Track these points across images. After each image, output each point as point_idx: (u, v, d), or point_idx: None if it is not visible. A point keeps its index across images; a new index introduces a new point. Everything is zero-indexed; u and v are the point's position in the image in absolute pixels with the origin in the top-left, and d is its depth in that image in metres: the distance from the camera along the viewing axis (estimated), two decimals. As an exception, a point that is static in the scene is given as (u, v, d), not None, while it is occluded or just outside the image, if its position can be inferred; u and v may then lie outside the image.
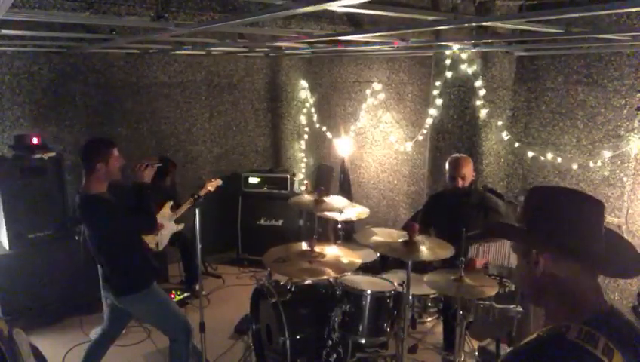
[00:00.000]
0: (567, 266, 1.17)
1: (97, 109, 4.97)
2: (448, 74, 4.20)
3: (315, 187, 4.94)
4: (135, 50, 4.70)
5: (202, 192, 4.54)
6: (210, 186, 4.73)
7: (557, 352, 1.11)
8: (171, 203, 4.70)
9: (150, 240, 4.42)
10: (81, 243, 4.16)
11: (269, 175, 5.63)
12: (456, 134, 4.30)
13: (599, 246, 1.18)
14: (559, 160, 4.07)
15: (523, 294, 2.83)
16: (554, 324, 1.16)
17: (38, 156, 4.11)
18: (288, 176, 5.53)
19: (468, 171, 3.54)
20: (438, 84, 4.31)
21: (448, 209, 3.62)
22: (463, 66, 4.09)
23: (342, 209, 3.72)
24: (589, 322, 1.12)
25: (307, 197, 3.83)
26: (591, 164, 3.92)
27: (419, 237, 3.01)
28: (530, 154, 4.23)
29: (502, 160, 4.39)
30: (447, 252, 2.93)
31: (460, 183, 3.51)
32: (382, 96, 5.27)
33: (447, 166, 3.62)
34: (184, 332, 3.04)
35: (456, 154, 3.69)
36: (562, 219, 1.18)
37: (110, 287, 3.00)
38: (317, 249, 3.07)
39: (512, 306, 2.94)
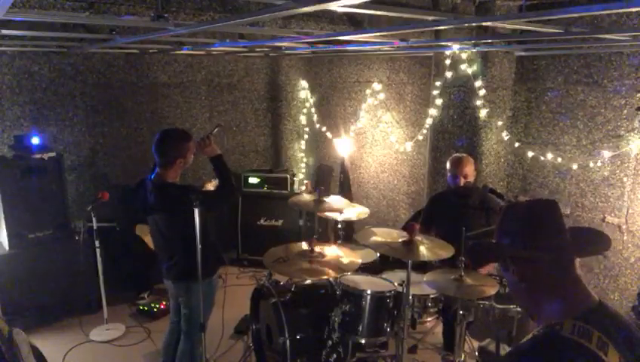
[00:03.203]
0: (541, 265, 1.22)
1: (97, 109, 4.97)
2: (448, 74, 4.20)
3: (315, 187, 4.93)
4: (135, 50, 4.70)
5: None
6: (210, 186, 4.72)
7: (553, 349, 1.12)
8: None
9: (150, 240, 4.42)
10: (80, 243, 4.17)
11: (269, 175, 5.63)
12: (456, 134, 4.30)
13: (564, 236, 1.24)
14: (559, 160, 4.07)
15: (522, 310, 2.83)
16: (547, 323, 1.18)
17: (38, 156, 4.11)
18: (288, 176, 5.53)
19: (470, 170, 3.55)
20: (438, 84, 4.31)
21: (449, 208, 3.62)
22: (463, 66, 4.09)
23: (342, 209, 3.72)
24: (581, 317, 1.14)
25: (307, 197, 3.83)
26: (591, 164, 3.92)
27: (419, 237, 3.01)
28: (530, 154, 4.23)
29: (502, 160, 4.39)
30: (447, 252, 2.93)
31: (462, 182, 3.52)
32: (382, 96, 5.27)
33: (448, 165, 3.62)
34: (199, 341, 3.05)
35: (458, 154, 3.70)
36: (517, 222, 1.27)
37: (175, 273, 2.99)
38: (317, 249, 3.07)
39: (512, 306, 2.93)
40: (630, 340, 1.15)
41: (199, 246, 2.91)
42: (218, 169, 3.03)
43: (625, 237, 3.80)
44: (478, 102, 4.11)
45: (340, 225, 3.95)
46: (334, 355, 3.01)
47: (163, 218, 2.99)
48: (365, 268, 3.53)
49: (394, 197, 5.46)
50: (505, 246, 1.27)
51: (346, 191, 5.45)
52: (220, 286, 3.38)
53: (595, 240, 1.32)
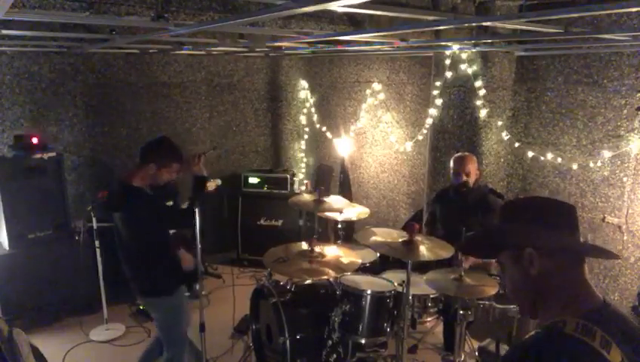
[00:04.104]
0: (556, 259, 1.21)
1: (97, 109, 4.97)
2: (448, 74, 4.20)
3: (315, 187, 4.93)
4: (135, 50, 4.70)
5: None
6: (210, 186, 4.72)
7: (556, 346, 1.12)
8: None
9: None
10: (81, 243, 4.17)
11: (269, 175, 5.63)
12: (456, 134, 4.30)
13: (579, 236, 1.26)
14: (559, 160, 4.07)
15: (521, 307, 2.83)
16: (550, 320, 1.18)
17: (38, 156, 4.11)
18: (288, 176, 5.53)
19: (472, 168, 3.60)
20: (438, 84, 4.31)
21: (450, 205, 3.66)
22: (463, 66, 4.09)
23: (342, 209, 3.73)
24: (585, 316, 1.14)
25: (307, 197, 3.84)
26: (591, 164, 3.92)
27: (419, 237, 3.01)
28: (530, 154, 4.23)
29: (502, 160, 4.39)
30: (447, 252, 2.93)
31: (464, 179, 3.55)
32: (382, 96, 5.27)
33: (451, 163, 3.67)
34: (182, 348, 3.02)
35: (461, 153, 3.74)
36: (543, 214, 1.26)
37: (135, 287, 2.95)
38: (317, 249, 3.07)
39: (512, 306, 2.94)
40: (633, 340, 1.15)
41: (199, 247, 2.91)
42: (196, 189, 2.98)
43: (625, 237, 3.80)
44: (478, 102, 4.11)
45: (340, 225, 3.95)
46: (334, 355, 3.01)
47: (121, 220, 2.90)
48: (365, 268, 3.54)
49: (394, 197, 5.46)
50: (534, 233, 1.24)
51: (346, 191, 5.45)
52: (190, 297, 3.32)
53: (604, 250, 1.35)
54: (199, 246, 2.98)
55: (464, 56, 4.07)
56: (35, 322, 4.08)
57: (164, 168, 2.84)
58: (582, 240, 1.27)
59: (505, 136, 4.24)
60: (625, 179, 3.80)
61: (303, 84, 6.08)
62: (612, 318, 1.17)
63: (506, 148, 4.35)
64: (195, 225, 2.84)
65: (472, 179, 3.59)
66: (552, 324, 1.15)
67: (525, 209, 1.29)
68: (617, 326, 1.15)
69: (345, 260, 3.04)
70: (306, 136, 6.22)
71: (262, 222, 5.48)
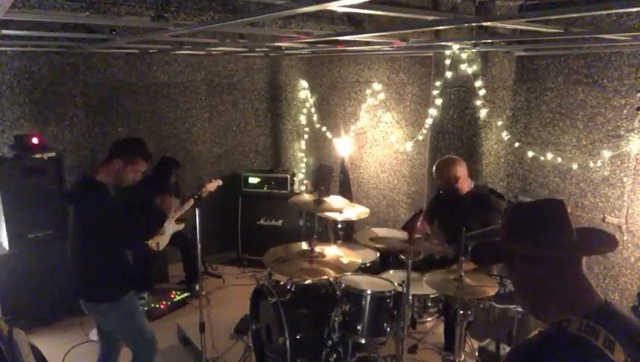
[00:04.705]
0: (547, 265, 1.22)
1: (97, 109, 4.97)
2: (448, 74, 4.20)
3: (315, 187, 4.93)
4: (135, 50, 4.70)
5: (202, 192, 4.53)
6: (210, 186, 4.73)
7: (559, 345, 1.12)
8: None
9: (150, 240, 4.42)
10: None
11: (269, 175, 5.63)
12: (456, 134, 4.30)
13: (571, 236, 1.24)
14: (559, 160, 4.07)
15: (523, 308, 2.83)
16: (554, 320, 1.18)
17: (38, 156, 4.11)
18: (288, 176, 5.53)
19: (448, 174, 3.55)
20: (438, 84, 4.31)
21: (446, 208, 3.67)
22: (463, 66, 4.09)
23: (342, 209, 3.73)
24: (588, 315, 1.14)
25: (307, 197, 3.84)
26: (591, 164, 3.92)
27: (419, 236, 3.02)
28: (530, 154, 4.23)
29: (502, 160, 4.39)
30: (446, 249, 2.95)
31: (437, 184, 3.62)
32: (382, 96, 5.27)
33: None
34: (149, 349, 2.90)
35: (442, 157, 3.74)
36: (525, 221, 1.28)
37: (83, 291, 2.82)
38: (317, 249, 3.07)
39: (512, 306, 2.93)
40: (636, 339, 1.15)
41: (200, 246, 2.90)
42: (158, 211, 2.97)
43: (625, 237, 3.80)
44: (478, 102, 4.10)
45: (340, 225, 3.95)
46: (334, 355, 3.01)
47: (76, 215, 2.79)
48: (365, 268, 3.54)
49: (394, 197, 5.46)
50: (514, 245, 1.27)
51: (346, 191, 5.45)
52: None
53: (601, 240, 1.34)
54: (199, 245, 2.98)
55: (464, 56, 4.06)
56: (35, 322, 4.08)
57: (130, 165, 2.75)
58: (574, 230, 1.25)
59: (505, 136, 4.24)
60: (625, 179, 3.80)
61: (303, 84, 6.08)
62: (614, 318, 1.17)
63: (506, 148, 4.35)
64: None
65: (446, 184, 3.56)
66: (557, 323, 1.16)
67: (512, 220, 1.31)
68: (620, 326, 1.15)
69: (345, 260, 3.04)
70: (306, 136, 6.22)
71: (262, 222, 5.48)
